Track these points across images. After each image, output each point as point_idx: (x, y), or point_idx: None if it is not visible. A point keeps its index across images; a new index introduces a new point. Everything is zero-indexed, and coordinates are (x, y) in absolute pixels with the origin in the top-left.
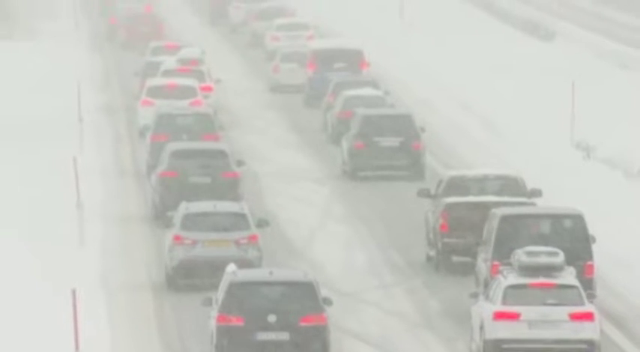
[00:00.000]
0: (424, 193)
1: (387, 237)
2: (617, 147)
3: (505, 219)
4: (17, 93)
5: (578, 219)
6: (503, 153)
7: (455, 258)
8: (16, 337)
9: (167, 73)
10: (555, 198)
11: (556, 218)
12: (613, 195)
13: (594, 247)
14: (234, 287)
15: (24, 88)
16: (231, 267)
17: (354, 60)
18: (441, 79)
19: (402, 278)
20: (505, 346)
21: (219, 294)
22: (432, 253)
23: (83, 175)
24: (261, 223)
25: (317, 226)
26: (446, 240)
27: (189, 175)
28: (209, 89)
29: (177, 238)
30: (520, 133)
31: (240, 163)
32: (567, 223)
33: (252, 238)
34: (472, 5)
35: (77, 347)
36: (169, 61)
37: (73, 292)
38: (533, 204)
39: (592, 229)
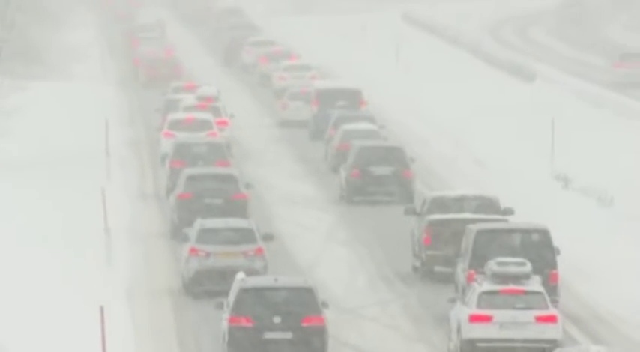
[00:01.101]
0: (410, 211)
1: (384, 257)
2: (593, 178)
3: (480, 233)
4: (52, 128)
5: (544, 234)
6: (488, 183)
7: (437, 268)
8: (47, 348)
9: (187, 108)
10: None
11: (525, 232)
12: (587, 219)
13: (560, 259)
14: (244, 293)
15: (58, 124)
16: (240, 275)
17: (353, 98)
18: (433, 117)
19: (398, 295)
20: (479, 345)
21: (230, 299)
22: (418, 264)
23: (111, 199)
24: (267, 237)
25: (321, 248)
26: (429, 252)
27: (203, 197)
28: (224, 123)
29: (192, 251)
30: (504, 165)
31: (248, 186)
32: (535, 237)
33: (259, 250)
34: (460, 50)
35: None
36: (189, 98)
37: (101, 308)
38: (505, 221)
39: (565, 247)
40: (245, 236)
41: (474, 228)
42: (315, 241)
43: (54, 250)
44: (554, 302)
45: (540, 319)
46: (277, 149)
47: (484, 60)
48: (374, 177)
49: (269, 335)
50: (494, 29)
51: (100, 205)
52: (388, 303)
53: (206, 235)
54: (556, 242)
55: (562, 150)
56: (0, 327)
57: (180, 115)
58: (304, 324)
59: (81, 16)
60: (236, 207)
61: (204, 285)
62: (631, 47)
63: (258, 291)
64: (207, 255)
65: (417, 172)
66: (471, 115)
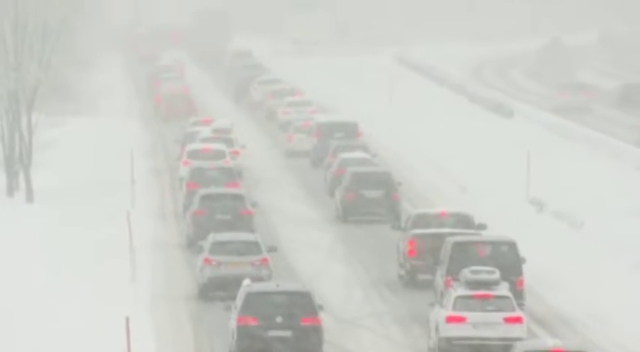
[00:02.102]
0: (396, 227)
1: (378, 271)
2: (565, 203)
3: (456, 245)
4: (83, 159)
5: (511, 245)
6: (470, 206)
7: (419, 276)
8: None
9: (204, 140)
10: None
11: (495, 244)
12: (557, 239)
13: (530, 271)
14: (250, 296)
15: (88, 155)
16: (246, 281)
17: (350, 130)
18: (422, 147)
19: (391, 307)
20: (455, 342)
21: (238, 302)
22: (402, 272)
23: (135, 220)
24: (271, 249)
25: (321, 264)
26: (413, 262)
27: (215, 213)
28: (237, 153)
29: (206, 260)
30: (485, 191)
31: (254, 204)
32: (503, 248)
33: (264, 260)
34: (447, 89)
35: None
36: (205, 131)
37: (127, 319)
38: (479, 234)
39: (536, 261)
40: (252, 248)
41: (451, 240)
42: (316, 257)
43: (85, 267)
44: (521, 305)
45: (508, 320)
46: (283, 175)
47: (468, 97)
48: (365, 199)
49: (272, 333)
50: (477, 70)
51: (125, 226)
52: (381, 314)
53: (218, 247)
54: (529, 257)
55: (537, 178)
56: (34, 336)
57: (197, 146)
58: (303, 324)
59: (109, 58)
60: (243, 222)
61: (216, 291)
62: (571, 78)
63: (263, 295)
64: (219, 264)
65: (404, 195)
66: (456, 146)
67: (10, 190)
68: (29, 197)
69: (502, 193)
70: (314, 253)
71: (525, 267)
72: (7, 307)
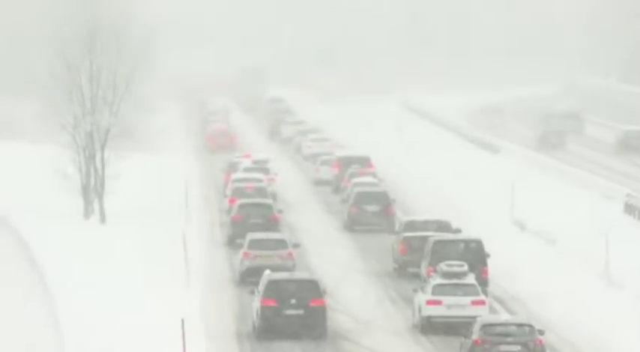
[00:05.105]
0: (391, 231)
1: (390, 281)
2: (543, 224)
3: (436, 243)
4: (145, 188)
5: (478, 243)
6: (463, 227)
7: (409, 269)
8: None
9: (246, 169)
10: (496, 254)
11: (465, 242)
12: (534, 251)
13: (500, 268)
14: (270, 283)
15: (150, 185)
16: (267, 271)
17: (364, 163)
18: (424, 177)
19: (399, 310)
20: (433, 320)
21: (260, 288)
22: (396, 266)
23: (190, 233)
24: (295, 245)
25: (341, 273)
26: (404, 258)
27: (250, 218)
28: (272, 180)
29: (245, 254)
30: (477, 214)
31: (279, 211)
32: (472, 245)
33: (290, 254)
34: (445, 130)
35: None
36: (247, 161)
37: (182, 321)
38: (454, 235)
39: (513, 265)
40: (280, 244)
41: (432, 239)
42: (337, 269)
43: (148, 273)
44: (485, 291)
45: (474, 303)
46: (310, 200)
47: (463, 137)
48: (367, 213)
49: (288, 312)
50: (470, 115)
51: (180, 240)
52: (392, 316)
53: (254, 243)
54: (509, 264)
55: (520, 203)
56: (107, 332)
57: (240, 174)
58: (311, 305)
59: (167, 103)
60: (272, 224)
61: (252, 277)
62: (490, 102)
63: (280, 282)
64: (255, 257)
65: (408, 211)
66: (453, 177)
67: (87, 214)
68: (102, 219)
69: (491, 215)
70: (334, 259)
71: (503, 267)
72: (85, 306)
